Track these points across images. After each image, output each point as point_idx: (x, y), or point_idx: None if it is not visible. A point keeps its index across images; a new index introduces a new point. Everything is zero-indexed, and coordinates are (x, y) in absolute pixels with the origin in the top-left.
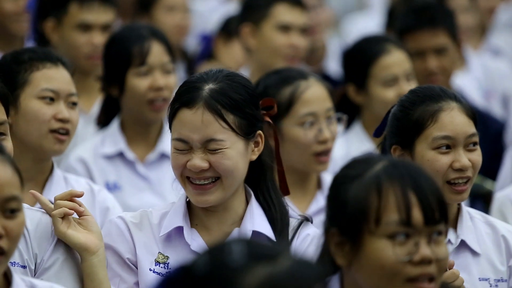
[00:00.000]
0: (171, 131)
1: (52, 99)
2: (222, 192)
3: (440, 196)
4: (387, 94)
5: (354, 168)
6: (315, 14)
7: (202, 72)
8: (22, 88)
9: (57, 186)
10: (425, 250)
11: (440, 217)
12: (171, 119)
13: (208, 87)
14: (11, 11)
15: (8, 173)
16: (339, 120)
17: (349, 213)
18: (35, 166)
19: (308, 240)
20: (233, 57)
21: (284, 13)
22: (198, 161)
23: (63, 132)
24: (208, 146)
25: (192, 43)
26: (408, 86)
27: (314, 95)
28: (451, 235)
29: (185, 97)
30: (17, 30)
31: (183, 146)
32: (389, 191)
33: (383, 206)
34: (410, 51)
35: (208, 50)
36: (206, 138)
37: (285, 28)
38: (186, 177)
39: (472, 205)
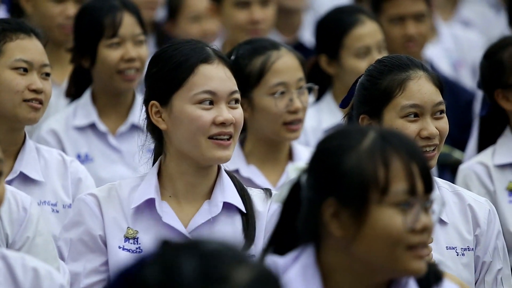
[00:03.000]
0: (180, 89)
1: (25, 70)
2: (232, 149)
3: (429, 165)
4: (359, 65)
5: (346, 138)
6: None
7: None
8: None
9: (29, 157)
10: (425, 218)
11: (433, 186)
12: (186, 76)
13: (207, 46)
14: None
15: None
16: (310, 90)
17: (352, 183)
18: (8, 136)
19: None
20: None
21: None
22: (228, 114)
23: (36, 103)
24: (231, 97)
25: (162, 16)
26: (379, 56)
27: (285, 65)
28: None
29: (200, 54)
30: None
31: (210, 98)
32: (395, 161)
33: (391, 175)
34: (389, 17)
35: None
36: (231, 89)
37: (243, 4)
38: (207, 137)
39: (440, 174)
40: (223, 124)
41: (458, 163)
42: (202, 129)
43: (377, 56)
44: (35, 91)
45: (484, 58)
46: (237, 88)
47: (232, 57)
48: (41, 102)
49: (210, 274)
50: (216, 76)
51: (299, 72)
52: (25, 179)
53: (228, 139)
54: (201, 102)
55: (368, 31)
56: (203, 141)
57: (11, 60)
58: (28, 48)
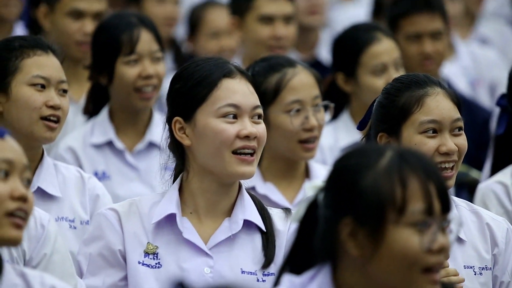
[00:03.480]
0: (204, 103)
1: (43, 86)
2: (256, 165)
3: (446, 185)
4: (376, 83)
5: (364, 157)
6: None
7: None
8: (13, 75)
9: (47, 173)
10: (442, 238)
11: (450, 206)
12: (209, 91)
13: (229, 63)
14: None
15: (19, 145)
16: (326, 108)
17: (369, 202)
18: (26, 153)
19: None
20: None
21: (265, 5)
22: (252, 128)
23: (54, 120)
24: (255, 112)
25: (180, 32)
26: (397, 74)
27: (301, 83)
28: None
29: (223, 69)
30: (6, 14)
31: (234, 111)
32: (412, 180)
33: (408, 195)
34: (406, 35)
35: None
36: (254, 104)
37: (267, 19)
38: (231, 151)
39: (458, 193)
40: (247, 137)
41: (475, 182)
42: (226, 142)
43: (394, 73)
44: (53, 107)
45: None
46: (259, 104)
47: None
48: (58, 119)
49: None
50: (239, 90)
51: (315, 90)
52: (43, 195)
53: (252, 155)
54: (225, 115)
55: (384, 49)
56: (227, 155)
57: (28, 77)
58: (46, 64)
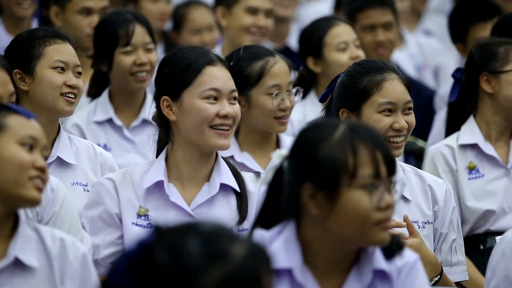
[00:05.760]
0: (190, 86)
1: (62, 69)
2: (231, 138)
3: (391, 152)
4: (341, 58)
5: (321, 131)
6: None
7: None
8: (37, 60)
9: (64, 144)
10: (388, 197)
11: (395, 169)
12: (195, 76)
13: (211, 52)
14: None
15: (41, 128)
16: (296, 92)
17: (326, 169)
18: (47, 126)
19: None
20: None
21: None
22: (230, 108)
23: (71, 96)
24: (231, 95)
25: (169, 26)
26: (357, 51)
27: (280, 70)
28: None
29: (206, 57)
30: (21, 13)
31: (215, 94)
32: (362, 150)
33: (358, 162)
34: (362, 26)
35: None
36: (232, 88)
37: (252, 11)
38: (209, 126)
39: (406, 160)
40: (225, 116)
41: (421, 150)
42: (207, 119)
43: (354, 50)
44: (71, 86)
45: (477, 47)
46: (235, 88)
47: (233, 61)
48: (75, 96)
49: (213, 252)
50: (220, 76)
51: (289, 77)
52: (61, 163)
53: (228, 130)
54: (207, 97)
55: (343, 30)
56: (206, 130)
57: (51, 61)
58: (64, 51)
